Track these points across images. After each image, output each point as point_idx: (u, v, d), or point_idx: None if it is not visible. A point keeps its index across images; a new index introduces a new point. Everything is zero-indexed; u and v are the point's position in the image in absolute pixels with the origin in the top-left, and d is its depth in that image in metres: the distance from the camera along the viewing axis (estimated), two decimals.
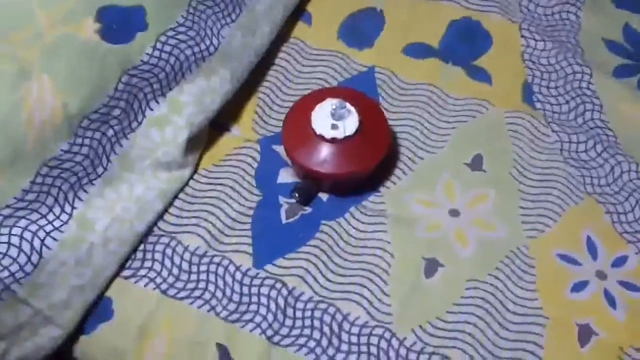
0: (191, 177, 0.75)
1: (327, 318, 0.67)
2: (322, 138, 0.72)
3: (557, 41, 0.87)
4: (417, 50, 0.86)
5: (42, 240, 0.63)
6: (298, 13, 0.89)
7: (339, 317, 0.68)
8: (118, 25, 0.67)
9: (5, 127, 0.60)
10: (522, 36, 0.87)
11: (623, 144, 0.79)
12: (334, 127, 0.72)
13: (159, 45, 0.71)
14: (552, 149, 0.79)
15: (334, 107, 0.72)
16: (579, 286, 0.70)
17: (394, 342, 0.66)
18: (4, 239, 0.61)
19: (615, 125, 0.81)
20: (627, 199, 0.76)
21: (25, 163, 0.62)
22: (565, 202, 0.75)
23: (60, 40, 0.63)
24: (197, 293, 0.69)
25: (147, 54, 0.70)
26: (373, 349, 0.66)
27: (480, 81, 0.84)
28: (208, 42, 0.75)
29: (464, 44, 0.87)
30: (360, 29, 0.88)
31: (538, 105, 0.82)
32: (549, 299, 0.69)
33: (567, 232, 0.74)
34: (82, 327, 0.67)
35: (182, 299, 0.68)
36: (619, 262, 0.72)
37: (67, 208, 0.65)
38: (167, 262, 0.70)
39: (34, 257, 0.62)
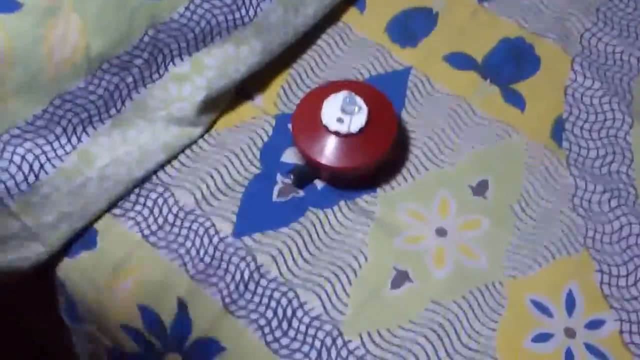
0: (201, 137, 0.79)
1: (284, 301, 0.70)
2: (326, 129, 0.73)
3: (608, 82, 0.82)
4: (459, 60, 0.84)
5: (42, 165, 0.68)
6: None
7: (295, 303, 0.70)
8: None
9: (25, 57, 0.65)
10: (572, 69, 0.83)
11: None
12: (340, 120, 0.73)
13: (192, 7, 0.73)
14: (564, 192, 0.76)
15: (344, 101, 0.73)
16: (542, 337, 0.68)
17: (339, 342, 0.68)
18: (7, 155, 0.67)
19: None
20: (626, 263, 0.72)
21: (40, 92, 0.67)
22: (559, 250, 0.73)
23: None
24: (174, 246, 0.72)
25: (179, 13, 0.73)
26: (317, 343, 0.68)
27: (513, 105, 0.81)
28: (244, 12, 0.77)
29: (509, 64, 0.84)
30: (409, 26, 0.87)
31: (565, 144, 0.79)
32: (505, 341, 0.68)
33: (550, 280, 0.71)
34: (67, 250, 0.73)
35: (159, 247, 0.72)
36: (594, 324, 0.69)
37: (73, 140, 0.70)
38: (156, 211, 0.74)
39: (31, 178, 0.68)
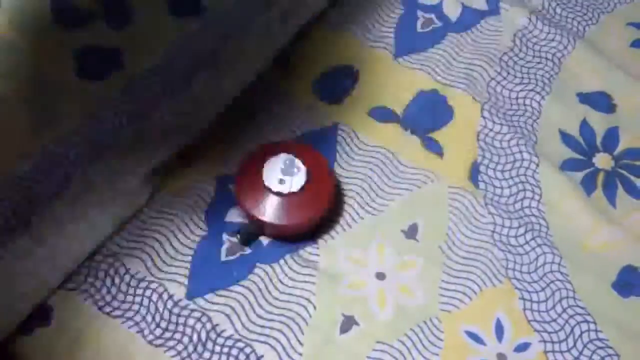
0: (146, 205, 0.82)
1: (242, 356, 0.74)
2: (269, 189, 0.79)
3: (514, 126, 0.92)
4: (381, 114, 0.92)
5: None
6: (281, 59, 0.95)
7: (253, 357, 0.74)
8: None
9: None
10: (482, 116, 0.92)
11: (553, 236, 0.85)
12: (281, 181, 0.79)
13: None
14: (484, 229, 0.84)
15: (284, 163, 0.79)
16: None
17: None
18: None
19: (550, 216, 0.86)
20: (544, 289, 0.81)
21: None
22: (485, 282, 0.81)
23: None
24: (129, 314, 0.75)
25: None
26: None
27: (433, 153, 0.90)
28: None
29: (426, 115, 0.92)
30: (334, 84, 0.94)
31: (481, 185, 0.88)
32: None
33: (480, 310, 0.79)
34: (23, 328, 0.74)
35: (115, 317, 0.75)
36: (522, 347, 0.77)
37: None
38: (108, 281, 0.77)
39: None
